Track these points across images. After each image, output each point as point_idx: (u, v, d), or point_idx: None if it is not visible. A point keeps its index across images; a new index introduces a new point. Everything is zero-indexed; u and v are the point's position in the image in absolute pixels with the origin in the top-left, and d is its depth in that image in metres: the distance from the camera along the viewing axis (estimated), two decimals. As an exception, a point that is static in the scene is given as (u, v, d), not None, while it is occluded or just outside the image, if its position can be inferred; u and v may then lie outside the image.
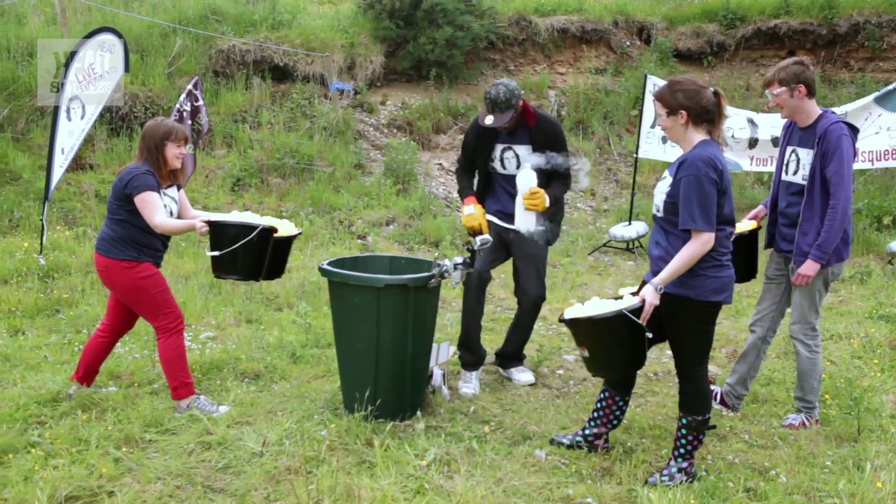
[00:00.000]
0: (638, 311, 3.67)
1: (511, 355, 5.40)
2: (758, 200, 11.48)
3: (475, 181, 5.34)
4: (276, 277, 4.82)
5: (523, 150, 5.06)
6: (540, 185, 4.90)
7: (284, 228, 4.68)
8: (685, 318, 3.78)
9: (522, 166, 4.96)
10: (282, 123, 11.46)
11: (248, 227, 4.31)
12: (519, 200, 4.90)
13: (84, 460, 3.89)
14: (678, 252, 3.66)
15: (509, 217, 5.11)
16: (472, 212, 5.10)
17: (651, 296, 3.68)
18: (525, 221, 4.93)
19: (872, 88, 11.52)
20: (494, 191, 5.23)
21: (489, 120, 4.94)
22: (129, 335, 5.55)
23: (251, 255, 4.35)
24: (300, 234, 4.86)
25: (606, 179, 12.65)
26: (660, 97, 3.78)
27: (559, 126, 5.21)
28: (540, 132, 5.04)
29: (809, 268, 4.37)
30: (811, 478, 3.94)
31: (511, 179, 5.06)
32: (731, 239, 3.84)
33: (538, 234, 5.00)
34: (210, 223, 4.33)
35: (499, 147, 5.10)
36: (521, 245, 5.09)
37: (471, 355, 5.19)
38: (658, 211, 3.82)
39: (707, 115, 3.71)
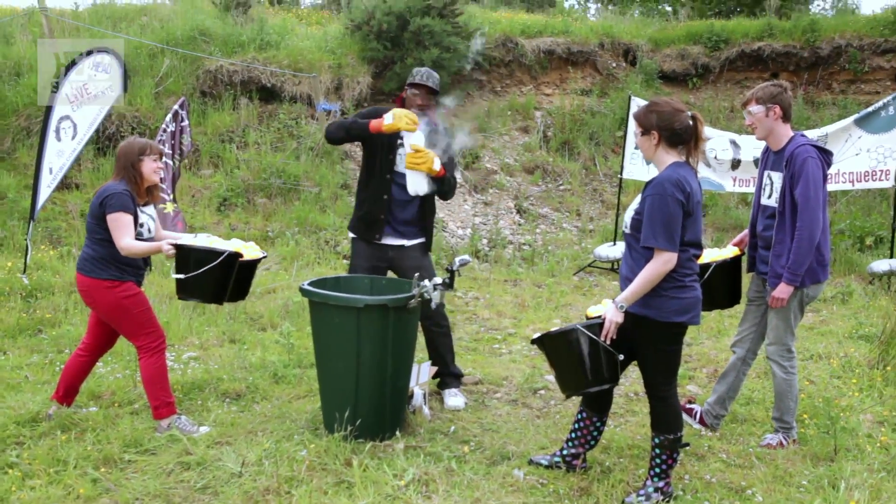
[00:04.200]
0: (597, 327, 3.73)
1: (444, 374, 5.39)
2: (741, 221, 11.61)
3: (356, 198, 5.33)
4: (240, 300, 4.86)
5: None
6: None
7: (249, 252, 4.71)
8: (649, 339, 3.81)
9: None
10: (268, 144, 11.52)
11: (214, 253, 4.36)
12: (406, 162, 5.00)
13: (62, 481, 3.88)
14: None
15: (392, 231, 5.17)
16: (390, 118, 4.89)
17: (612, 313, 3.73)
18: (414, 183, 5.03)
19: (854, 110, 11.68)
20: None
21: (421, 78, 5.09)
22: (111, 354, 5.56)
23: (215, 280, 4.39)
24: (265, 257, 4.89)
25: (592, 200, 12.73)
26: (636, 116, 3.86)
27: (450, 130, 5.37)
28: (434, 132, 5.17)
29: (782, 290, 4.42)
30: (787, 497, 3.97)
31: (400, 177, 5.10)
32: (698, 261, 3.89)
33: (434, 188, 5.10)
34: (177, 246, 4.36)
35: (399, 143, 5.10)
36: (402, 259, 5.18)
37: None
38: (626, 227, 3.88)
39: (679, 139, 3.77)
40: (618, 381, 3.87)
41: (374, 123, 4.93)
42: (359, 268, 5.21)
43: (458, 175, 5.15)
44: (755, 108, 4.50)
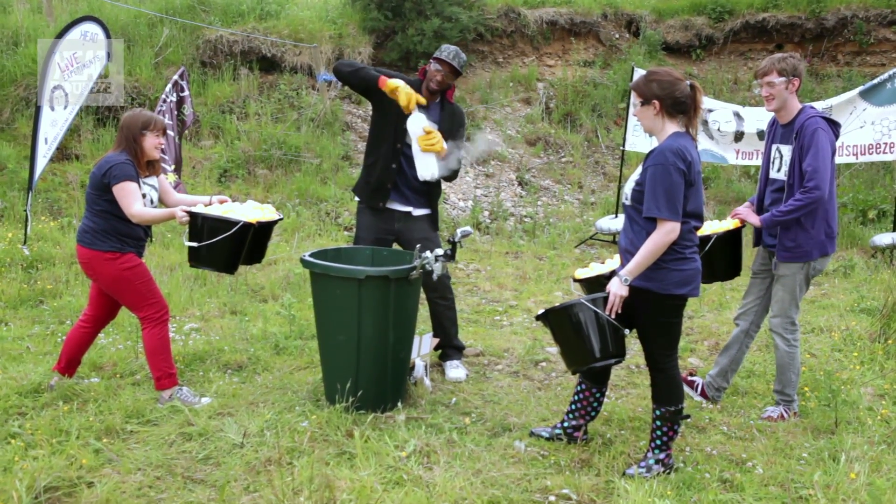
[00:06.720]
0: (602, 301, 3.71)
1: (446, 346, 5.40)
2: (744, 194, 11.55)
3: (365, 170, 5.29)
4: (256, 263, 4.83)
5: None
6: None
7: (265, 214, 4.66)
8: (650, 312, 3.80)
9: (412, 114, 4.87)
10: (269, 114, 11.44)
11: (229, 222, 4.31)
12: (415, 146, 4.89)
13: (64, 451, 3.88)
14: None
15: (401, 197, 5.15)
16: (401, 83, 4.85)
17: (616, 287, 3.71)
18: (426, 166, 4.90)
19: (859, 82, 11.57)
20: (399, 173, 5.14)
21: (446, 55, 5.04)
22: (113, 326, 5.55)
23: (228, 249, 4.36)
24: (281, 219, 4.85)
25: (594, 172, 12.67)
26: (635, 87, 3.81)
27: (464, 116, 5.37)
28: (450, 114, 5.18)
29: (753, 219, 4.58)
30: (787, 469, 3.98)
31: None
32: (698, 233, 3.86)
33: (446, 172, 5.02)
34: (191, 213, 4.33)
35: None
36: (409, 231, 5.15)
37: None
38: (626, 199, 3.85)
39: (680, 107, 3.73)
40: (624, 355, 3.86)
41: (384, 77, 4.89)
42: (364, 240, 5.18)
43: (462, 152, 5.10)
44: (778, 80, 4.43)
